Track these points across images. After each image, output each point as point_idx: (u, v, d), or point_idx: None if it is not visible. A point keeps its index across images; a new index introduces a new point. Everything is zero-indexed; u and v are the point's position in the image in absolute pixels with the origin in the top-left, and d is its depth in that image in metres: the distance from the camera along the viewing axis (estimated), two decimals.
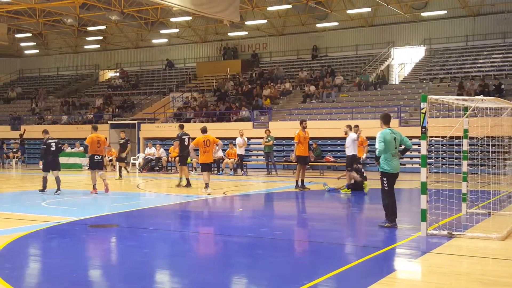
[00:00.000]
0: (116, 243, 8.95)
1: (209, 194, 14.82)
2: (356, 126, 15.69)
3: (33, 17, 33.69)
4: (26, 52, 46.24)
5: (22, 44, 43.44)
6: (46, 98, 40.77)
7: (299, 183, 16.12)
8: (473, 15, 32.04)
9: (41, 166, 15.65)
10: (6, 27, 34.75)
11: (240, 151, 22.75)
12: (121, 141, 21.90)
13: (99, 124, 32.06)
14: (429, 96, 8.96)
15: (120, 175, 21.13)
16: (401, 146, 9.74)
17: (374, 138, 16.38)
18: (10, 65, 47.73)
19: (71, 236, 9.22)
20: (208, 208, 13.54)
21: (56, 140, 15.44)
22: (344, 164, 16.30)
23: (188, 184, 16.85)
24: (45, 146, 15.36)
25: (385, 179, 9.49)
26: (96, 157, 15.36)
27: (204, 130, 15.53)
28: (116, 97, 37.48)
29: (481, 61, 30.15)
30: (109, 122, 31.62)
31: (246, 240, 9.03)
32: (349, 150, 15.04)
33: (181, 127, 17.97)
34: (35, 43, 42.98)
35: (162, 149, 26.10)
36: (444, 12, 31.93)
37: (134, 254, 7.80)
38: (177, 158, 18.36)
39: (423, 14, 32.50)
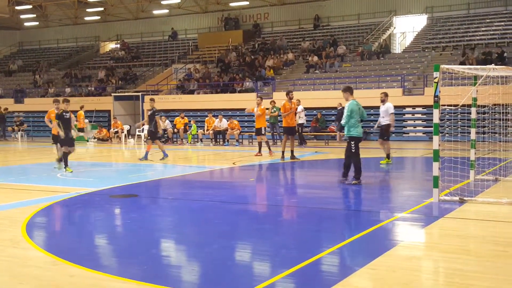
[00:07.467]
0: (139, 212, 9.25)
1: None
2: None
3: None
4: (26, 24, 45.98)
5: (22, 16, 43.20)
6: (47, 71, 40.74)
7: (290, 154, 16.59)
8: None
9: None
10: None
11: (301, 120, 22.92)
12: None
13: (102, 97, 32.23)
14: (442, 66, 9.16)
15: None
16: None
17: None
18: (10, 37, 47.53)
19: (95, 206, 9.52)
20: (220, 178, 13.88)
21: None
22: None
23: None
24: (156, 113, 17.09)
25: (352, 142, 11.08)
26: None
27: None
28: (119, 69, 37.48)
29: (483, 29, 30.17)
30: (112, 94, 31.72)
31: (262, 208, 9.37)
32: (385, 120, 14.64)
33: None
34: (34, 15, 42.74)
35: (167, 121, 26.28)
36: None
37: (158, 222, 8.10)
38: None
39: None
